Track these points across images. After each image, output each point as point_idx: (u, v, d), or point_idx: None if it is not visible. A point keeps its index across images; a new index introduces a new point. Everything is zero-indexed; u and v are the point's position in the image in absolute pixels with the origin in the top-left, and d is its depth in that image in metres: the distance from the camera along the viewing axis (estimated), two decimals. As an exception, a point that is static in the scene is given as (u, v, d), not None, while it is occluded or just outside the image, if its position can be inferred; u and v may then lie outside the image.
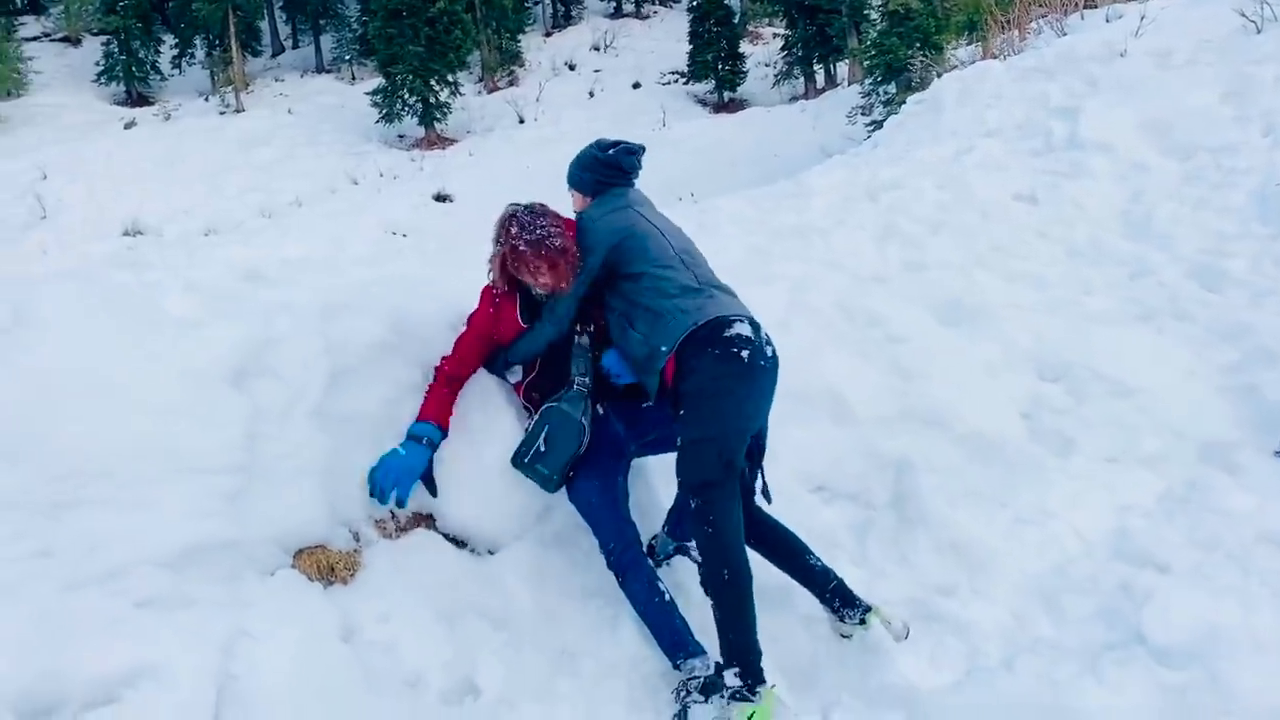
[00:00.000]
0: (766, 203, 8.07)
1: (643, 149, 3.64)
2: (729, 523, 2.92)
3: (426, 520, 3.13)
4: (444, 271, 3.96)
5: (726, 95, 26.93)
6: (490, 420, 3.26)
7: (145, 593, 2.30)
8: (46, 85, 27.66)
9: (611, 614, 3.03)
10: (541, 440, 3.15)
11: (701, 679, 2.83)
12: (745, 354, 3.04)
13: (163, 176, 23.05)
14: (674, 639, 2.93)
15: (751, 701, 2.76)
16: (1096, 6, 13.81)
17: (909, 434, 4.14)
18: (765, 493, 3.28)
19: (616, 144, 3.57)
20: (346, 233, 18.43)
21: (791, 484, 3.71)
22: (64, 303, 2.76)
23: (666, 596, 3.03)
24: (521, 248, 3.16)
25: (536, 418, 3.21)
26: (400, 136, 25.73)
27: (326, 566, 2.77)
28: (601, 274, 3.24)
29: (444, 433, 3.14)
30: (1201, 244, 6.20)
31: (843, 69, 26.25)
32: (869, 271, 5.55)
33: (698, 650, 2.92)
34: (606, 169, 3.51)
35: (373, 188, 23.35)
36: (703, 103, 27.24)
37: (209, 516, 2.54)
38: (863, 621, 3.16)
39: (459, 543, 3.14)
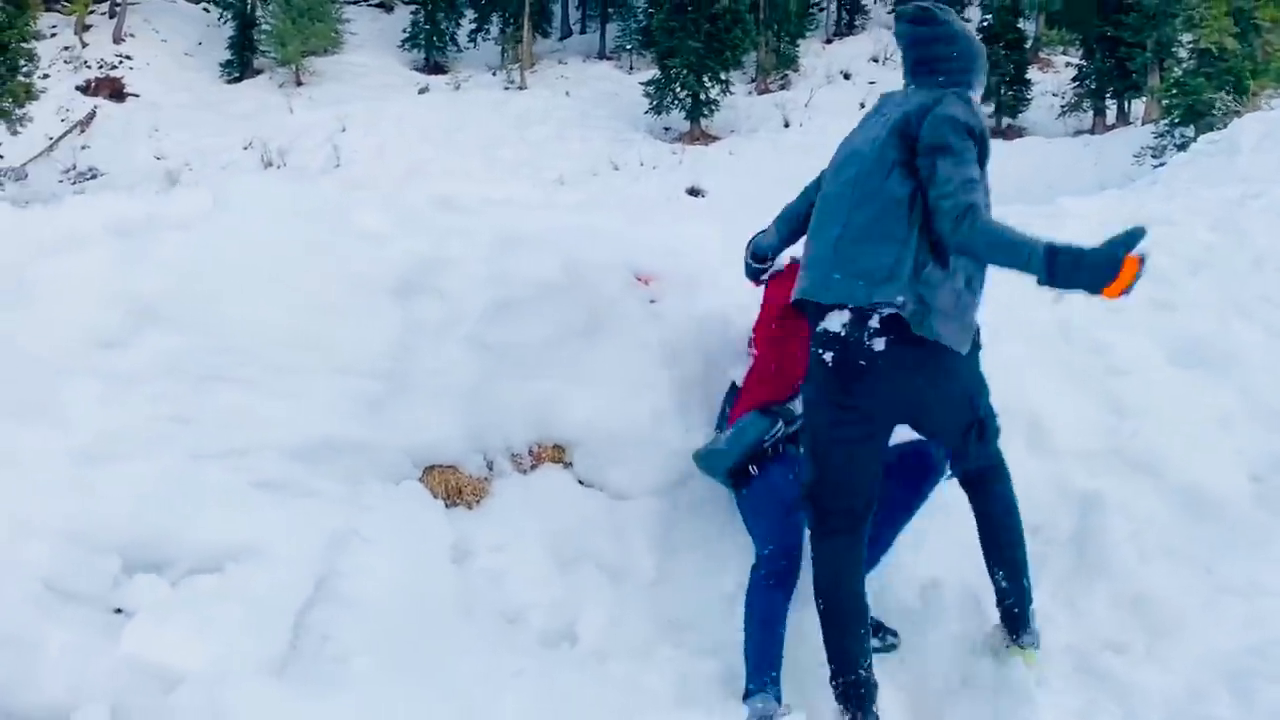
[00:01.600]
0: (1013, 219, 7.60)
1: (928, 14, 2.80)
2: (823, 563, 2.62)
3: (563, 460, 3.10)
4: (634, 225, 3.89)
5: (1006, 121, 25.65)
6: (644, 373, 3.19)
7: (268, 475, 2.39)
8: (359, 46, 30.18)
9: (730, 594, 2.88)
10: (724, 439, 2.98)
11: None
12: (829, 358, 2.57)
13: (445, 142, 24.63)
14: (757, 665, 2.65)
15: None
16: None
17: (1112, 474, 3.72)
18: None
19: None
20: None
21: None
22: (263, 199, 2.93)
23: (780, 629, 2.72)
24: None
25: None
26: (666, 129, 26.23)
27: (454, 487, 2.81)
28: None
29: None
30: None
31: (1138, 107, 24.43)
32: (1106, 299, 5.07)
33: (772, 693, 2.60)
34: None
35: (632, 175, 23.95)
36: (976, 125, 26.05)
37: (347, 416, 2.62)
38: (1016, 647, 2.85)
39: (593, 486, 3.10)
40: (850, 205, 2.63)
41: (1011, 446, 3.71)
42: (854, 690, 2.53)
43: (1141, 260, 2.35)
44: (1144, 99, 23.59)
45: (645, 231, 3.75)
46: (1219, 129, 14.50)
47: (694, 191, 23.12)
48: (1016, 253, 2.43)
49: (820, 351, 2.59)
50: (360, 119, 25.05)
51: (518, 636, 2.58)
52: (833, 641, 2.57)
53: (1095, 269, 2.35)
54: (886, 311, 2.51)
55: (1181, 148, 17.82)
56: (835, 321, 2.57)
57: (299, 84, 28.18)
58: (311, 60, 28.34)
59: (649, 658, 2.63)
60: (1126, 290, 2.37)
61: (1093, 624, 3.17)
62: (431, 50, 30.21)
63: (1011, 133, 25.29)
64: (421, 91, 27.98)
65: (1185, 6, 19.52)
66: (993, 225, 2.50)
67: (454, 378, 2.88)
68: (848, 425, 2.59)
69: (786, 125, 25.94)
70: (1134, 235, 2.36)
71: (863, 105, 27.02)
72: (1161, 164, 17.68)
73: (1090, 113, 25.19)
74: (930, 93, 2.69)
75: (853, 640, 2.58)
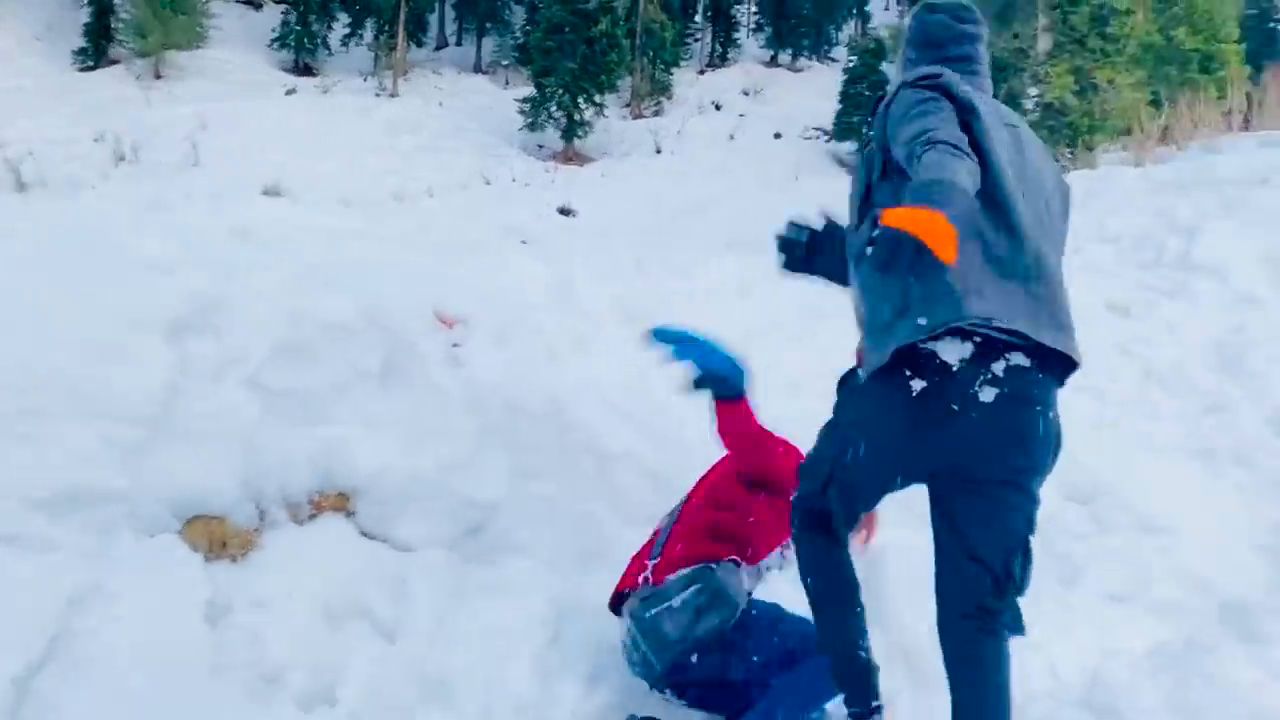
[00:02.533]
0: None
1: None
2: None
3: (345, 509, 3.02)
4: (448, 263, 3.84)
5: (873, 159, 26.52)
6: (440, 421, 3.15)
7: (3, 528, 2.25)
8: (224, 42, 29.13)
9: (511, 653, 2.84)
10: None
11: None
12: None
13: (310, 146, 23.92)
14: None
15: None
16: (1249, 130, 13.13)
17: (899, 525, 3.85)
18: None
19: None
20: (464, 226, 18.80)
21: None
22: (35, 226, 2.77)
23: None
24: None
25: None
26: (540, 146, 26.16)
27: (218, 539, 2.70)
28: None
29: None
30: (1293, 391, 5.72)
31: (992, 151, 25.64)
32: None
33: None
34: None
35: (503, 191, 23.77)
36: (841, 163, 26.92)
37: (101, 464, 2.49)
38: None
39: (376, 538, 3.02)
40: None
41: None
42: (855, 670, 2.41)
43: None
44: (995, 146, 24.76)
45: (459, 271, 3.70)
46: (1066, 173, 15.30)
47: (565, 211, 23.10)
48: None
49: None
50: (222, 117, 24.14)
51: (273, 699, 2.48)
52: (826, 620, 2.44)
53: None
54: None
55: (1025, 196, 18.78)
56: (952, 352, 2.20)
57: (158, 77, 27.00)
58: (173, 54, 27.20)
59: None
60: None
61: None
62: (301, 51, 29.41)
63: (876, 171, 26.20)
64: (289, 93, 27.17)
65: (1031, 63, 20.59)
66: None
67: (228, 423, 2.77)
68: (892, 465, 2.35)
69: (659, 151, 26.22)
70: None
71: (732, 137, 27.61)
72: (1006, 211, 18.59)
73: (948, 155, 26.31)
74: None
75: (849, 616, 2.44)
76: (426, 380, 3.18)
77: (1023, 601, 2.78)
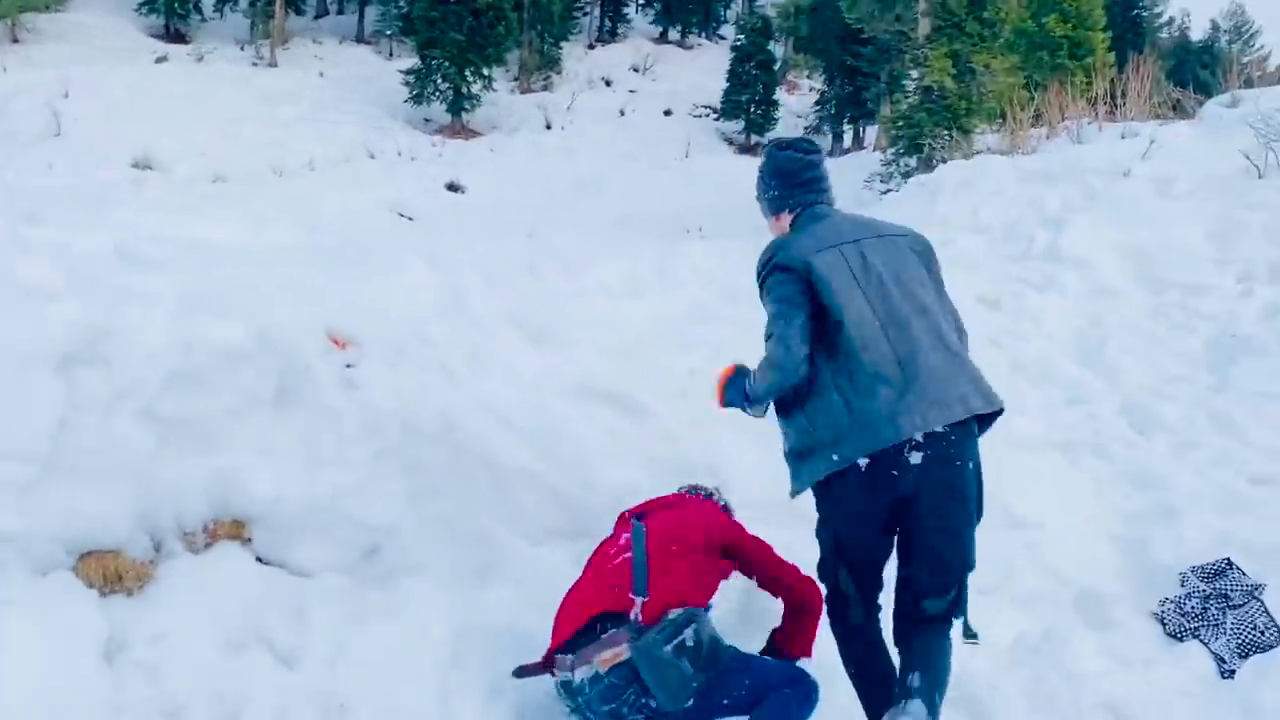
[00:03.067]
0: (736, 256, 7.99)
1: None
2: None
3: (241, 537, 3.04)
4: (336, 278, 3.83)
5: (754, 138, 26.98)
6: (336, 446, 3.17)
7: (-113, 575, 2.21)
8: (87, 5, 27.72)
9: (408, 674, 2.92)
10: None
11: None
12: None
13: (183, 116, 22.97)
14: None
15: None
16: (1115, 120, 13.83)
17: (785, 527, 4.04)
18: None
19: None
20: (351, 205, 18.41)
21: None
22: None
23: None
24: None
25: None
26: (426, 120, 25.74)
27: (113, 574, 2.69)
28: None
29: None
30: (1145, 381, 6.13)
31: (871, 133, 26.30)
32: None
33: None
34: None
35: (388, 165, 23.30)
36: (730, 141, 27.31)
37: (-12, 504, 2.46)
38: None
39: (272, 564, 3.05)
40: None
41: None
42: None
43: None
44: (876, 127, 25.41)
45: (349, 287, 3.70)
46: (938, 163, 15.84)
47: (453, 187, 22.81)
48: None
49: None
50: (85, 84, 23.00)
51: (174, 733, 2.51)
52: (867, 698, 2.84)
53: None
54: None
55: (906, 175, 19.37)
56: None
57: (15, 41, 25.55)
58: (30, 16, 25.75)
59: (314, 748, 2.64)
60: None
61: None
62: (172, 17, 28.18)
63: (759, 149, 26.61)
64: (159, 60, 26.02)
65: (912, 46, 21.14)
66: None
67: (120, 455, 2.76)
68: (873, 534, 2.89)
69: (549, 126, 26.10)
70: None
71: (622, 113, 27.64)
72: (888, 190, 19.14)
73: (830, 136, 26.89)
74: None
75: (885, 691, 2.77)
76: (320, 404, 3.20)
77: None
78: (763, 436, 4.39)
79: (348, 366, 3.38)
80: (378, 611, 3.03)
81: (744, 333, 5.65)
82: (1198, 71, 27.13)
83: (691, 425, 4.07)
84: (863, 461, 2.67)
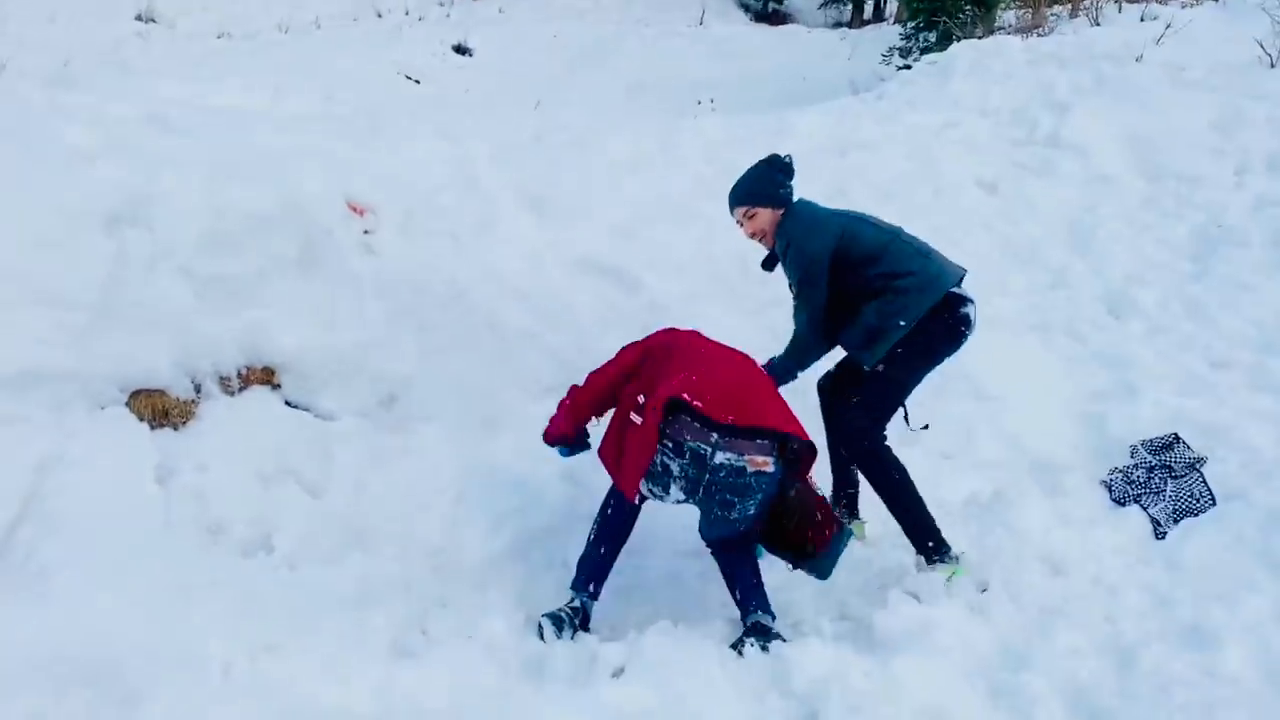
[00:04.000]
0: (742, 131, 8.10)
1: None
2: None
3: (272, 382, 3.37)
4: (360, 149, 4.06)
5: (771, 6, 26.33)
6: (355, 304, 3.47)
7: (-29, 407, 2.54)
8: None
9: (421, 507, 3.30)
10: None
11: None
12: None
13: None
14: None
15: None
16: (1137, 1, 13.61)
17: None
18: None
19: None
20: (361, 67, 18.24)
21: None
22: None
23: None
24: None
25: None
26: (437, -24, 25.12)
27: (161, 410, 3.03)
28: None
29: None
30: (1129, 269, 6.34)
31: (892, 4, 25.67)
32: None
33: None
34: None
35: (396, 25, 22.90)
36: (746, 7, 26.62)
37: (53, 346, 2.78)
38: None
39: (300, 408, 3.39)
40: None
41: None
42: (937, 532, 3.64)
43: None
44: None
45: (367, 155, 3.94)
46: (959, 38, 15.60)
47: (461, 49, 22.45)
48: None
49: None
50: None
51: (217, 548, 2.89)
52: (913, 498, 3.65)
53: None
54: None
55: (925, 51, 19.06)
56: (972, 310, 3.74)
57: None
58: None
59: (337, 564, 3.02)
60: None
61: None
62: None
63: (776, 18, 26.08)
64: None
65: (938, -83, 20.47)
66: None
67: (163, 307, 3.07)
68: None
69: (560, -13, 25.43)
70: None
71: (638, -24, 26.86)
72: (906, 66, 18.85)
73: (850, 6, 26.25)
74: None
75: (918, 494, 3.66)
76: (341, 266, 3.49)
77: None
78: (756, 314, 4.70)
79: (365, 232, 3.66)
80: (394, 452, 3.40)
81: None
82: (1233, -51, 26.17)
83: (683, 299, 4.36)
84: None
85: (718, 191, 6.46)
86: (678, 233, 4.95)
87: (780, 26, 24.62)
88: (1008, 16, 18.34)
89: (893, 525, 3.73)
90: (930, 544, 3.62)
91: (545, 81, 18.32)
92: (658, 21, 24.06)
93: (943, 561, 3.60)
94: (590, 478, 3.50)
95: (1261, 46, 9.04)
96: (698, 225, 5.14)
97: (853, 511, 4.03)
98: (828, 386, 3.98)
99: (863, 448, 3.70)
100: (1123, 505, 4.26)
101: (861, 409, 3.69)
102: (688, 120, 8.67)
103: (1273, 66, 8.95)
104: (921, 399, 4.75)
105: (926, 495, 4.04)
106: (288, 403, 3.39)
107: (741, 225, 3.87)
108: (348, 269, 3.51)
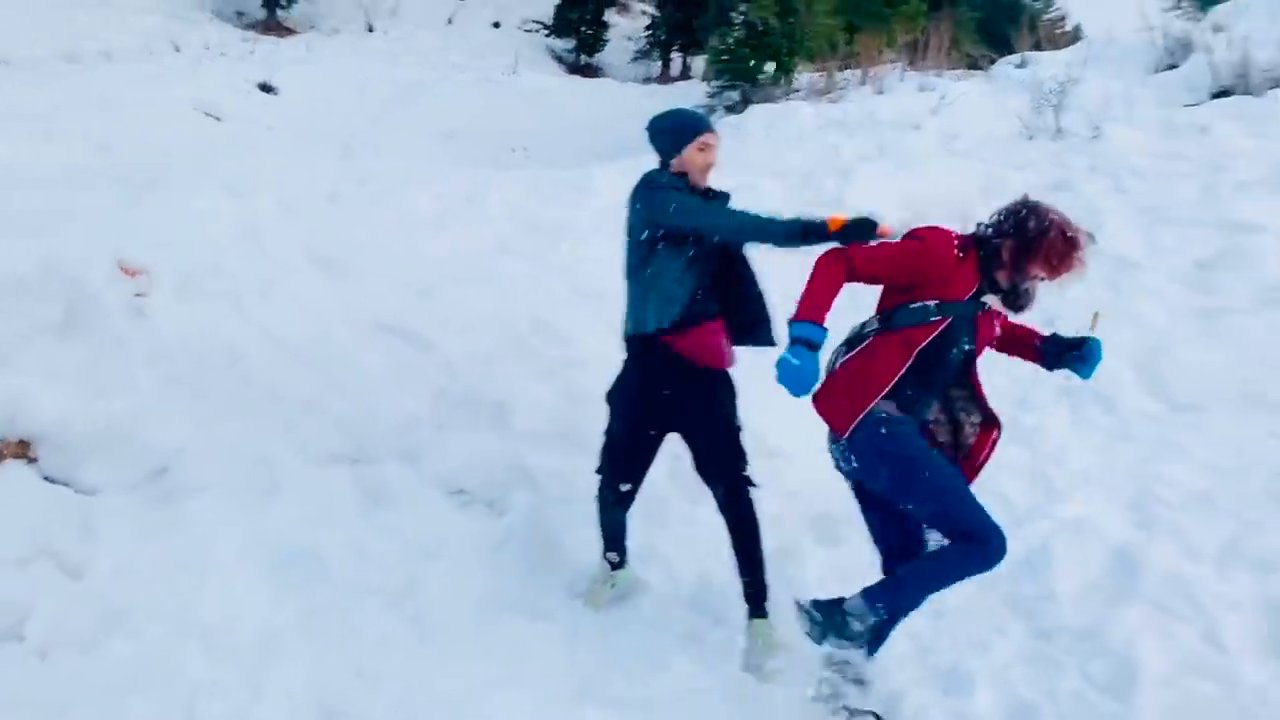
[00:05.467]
0: (547, 188, 8.20)
1: None
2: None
3: (27, 456, 3.18)
4: (133, 206, 3.90)
5: (584, 59, 26.86)
6: (123, 371, 3.32)
7: None
8: None
9: (193, 584, 3.16)
10: None
11: None
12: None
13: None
14: None
15: None
16: (923, 70, 14.72)
17: (557, 452, 4.38)
18: None
19: None
20: (154, 103, 17.39)
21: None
22: None
23: None
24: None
25: None
26: (239, 13, 24.38)
27: (-102, 491, 2.81)
28: None
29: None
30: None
31: (700, 63, 26.65)
32: (591, 285, 5.72)
33: None
34: None
35: (195, 60, 22.02)
36: (560, 59, 27.06)
37: None
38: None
39: (59, 483, 3.21)
40: None
41: (478, 429, 4.29)
42: None
43: None
44: (705, 57, 25.72)
45: (142, 213, 3.79)
46: (760, 100, 16.35)
47: (266, 87, 21.78)
48: None
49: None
50: None
51: (-41, 640, 2.68)
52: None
53: None
54: None
55: (730, 109, 19.85)
56: None
57: None
58: None
59: (95, 650, 2.85)
60: None
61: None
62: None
63: (589, 71, 26.62)
64: (-66, -79, 23.50)
65: (741, -19, 21.48)
66: None
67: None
68: None
69: (371, 29, 25.19)
70: None
71: (450, 21, 26.97)
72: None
73: (659, 63, 27.10)
74: None
75: None
76: (108, 331, 3.33)
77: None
78: (546, 373, 4.75)
79: (137, 295, 3.51)
80: (164, 526, 3.25)
81: (539, 268, 5.95)
82: (1005, 25, 28.62)
83: (477, 359, 4.37)
84: None
85: (519, 249, 6.55)
86: (475, 292, 4.97)
87: (593, 79, 25.14)
88: (804, 79, 19.40)
89: None
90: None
91: (355, 123, 17.99)
92: (472, 68, 24.10)
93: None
94: (375, 546, 3.46)
95: (1021, 120, 9.92)
96: (497, 284, 5.17)
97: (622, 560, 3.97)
98: None
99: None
100: (894, 554, 4.53)
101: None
102: (495, 174, 8.71)
103: (1031, 139, 9.83)
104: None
105: (713, 556, 4.18)
106: (46, 478, 3.20)
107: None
108: (115, 334, 3.35)
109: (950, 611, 4.03)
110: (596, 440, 3.77)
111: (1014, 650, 3.65)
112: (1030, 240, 3.05)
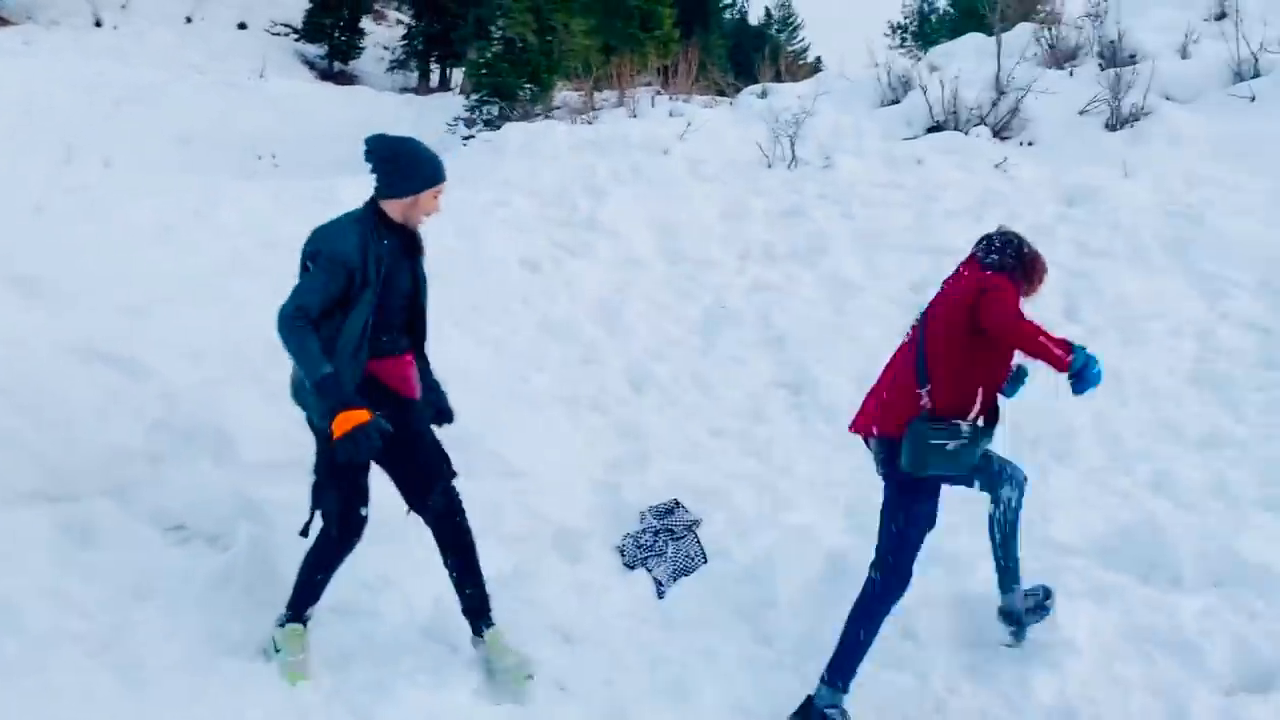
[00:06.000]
0: (289, 199, 7.91)
1: None
2: None
3: None
4: None
5: (338, 66, 26.10)
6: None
7: None
8: None
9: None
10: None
11: None
12: None
13: None
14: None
15: None
16: (673, 95, 15.27)
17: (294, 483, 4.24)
18: None
19: None
20: None
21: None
22: None
23: None
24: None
25: None
26: (-56, 1, 22.06)
27: None
28: None
29: None
30: (650, 344, 7.00)
31: (458, 75, 26.50)
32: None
33: None
34: None
35: (-117, 52, 19.72)
36: (311, 65, 26.14)
37: None
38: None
39: None
40: None
41: (199, 461, 4.07)
42: None
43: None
44: (464, 70, 25.60)
45: None
46: (517, 116, 16.43)
47: (-31, 86, 19.78)
48: None
49: None
50: None
51: None
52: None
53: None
54: None
55: (488, 123, 19.81)
56: None
57: None
58: None
59: None
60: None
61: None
62: None
63: (343, 78, 25.87)
64: None
65: (496, -1, 21.56)
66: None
67: None
68: None
69: (99, 24, 23.44)
70: None
71: (189, 20, 25.48)
72: (470, 136, 19.48)
73: (416, 73, 26.73)
74: None
75: None
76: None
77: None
78: (272, 397, 4.57)
79: None
80: None
81: (276, 287, 5.71)
82: (751, 54, 30.08)
83: (200, 386, 4.16)
84: None
85: (253, 266, 6.26)
86: (201, 313, 4.72)
87: (347, 87, 24.43)
88: (562, 98, 19.69)
89: None
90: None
91: (81, 125, 16.61)
92: (214, 70, 22.84)
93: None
94: (77, 590, 3.21)
95: (761, 149, 10.48)
96: (227, 304, 4.93)
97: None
98: None
99: None
100: (632, 569, 4.67)
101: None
102: (231, 184, 8.31)
103: (770, 167, 10.39)
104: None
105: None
106: None
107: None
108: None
109: (679, 621, 4.20)
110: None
111: (736, 654, 3.86)
112: (1029, 264, 3.56)
